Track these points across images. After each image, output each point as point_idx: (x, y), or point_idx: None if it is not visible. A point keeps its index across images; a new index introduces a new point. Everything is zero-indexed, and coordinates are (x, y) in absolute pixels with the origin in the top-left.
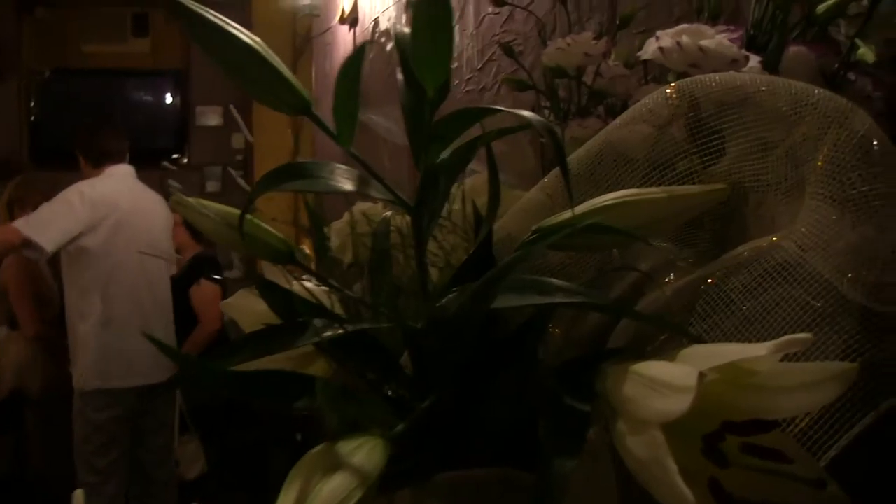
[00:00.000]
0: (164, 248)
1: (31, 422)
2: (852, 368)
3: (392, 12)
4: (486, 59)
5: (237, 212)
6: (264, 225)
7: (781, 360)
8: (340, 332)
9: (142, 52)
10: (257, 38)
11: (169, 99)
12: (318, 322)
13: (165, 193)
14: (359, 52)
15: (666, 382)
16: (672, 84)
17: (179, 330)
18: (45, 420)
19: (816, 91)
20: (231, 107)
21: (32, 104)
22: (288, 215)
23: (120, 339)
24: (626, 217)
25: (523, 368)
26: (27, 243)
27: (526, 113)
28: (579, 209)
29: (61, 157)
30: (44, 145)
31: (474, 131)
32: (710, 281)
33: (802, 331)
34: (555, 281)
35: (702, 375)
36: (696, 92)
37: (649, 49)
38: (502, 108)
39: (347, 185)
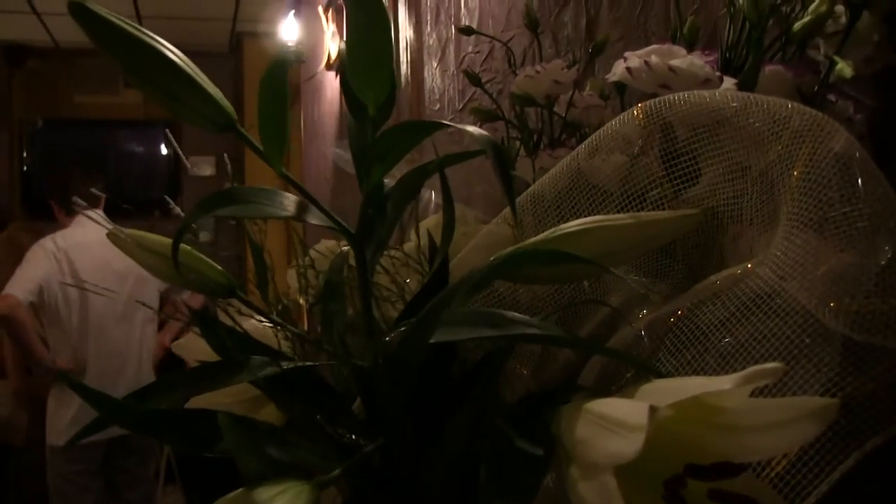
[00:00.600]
0: (140, 293)
1: (13, 473)
2: (832, 405)
3: None
4: (467, 98)
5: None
6: (204, 257)
7: (753, 396)
8: (277, 370)
9: (134, 103)
10: (178, 52)
11: (162, 150)
12: (256, 360)
13: None
14: (279, 61)
15: (618, 420)
16: (639, 105)
17: None
18: (27, 470)
19: (790, 105)
20: (225, 157)
21: (25, 154)
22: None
23: (71, 393)
24: (591, 245)
25: (477, 409)
26: (5, 298)
27: (471, 128)
28: (540, 237)
29: None
30: (35, 195)
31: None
32: (679, 313)
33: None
34: (510, 313)
35: (653, 410)
36: (665, 112)
37: (618, 70)
38: (447, 123)
39: (285, 212)
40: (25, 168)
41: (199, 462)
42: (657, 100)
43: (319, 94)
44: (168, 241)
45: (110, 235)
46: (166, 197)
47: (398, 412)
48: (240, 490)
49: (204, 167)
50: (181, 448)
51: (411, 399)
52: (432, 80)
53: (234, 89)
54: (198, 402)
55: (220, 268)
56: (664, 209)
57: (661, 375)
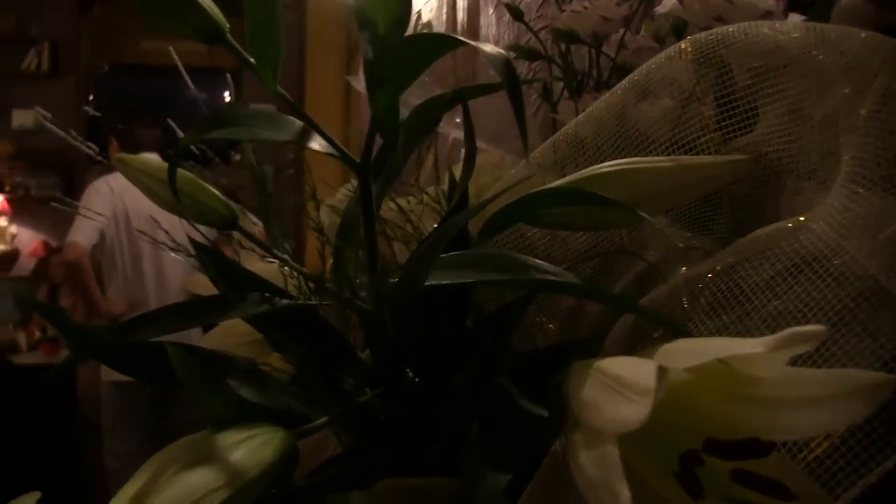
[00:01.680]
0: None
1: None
2: (888, 381)
3: (434, 3)
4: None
5: (182, 171)
6: (206, 185)
7: (793, 365)
8: (270, 308)
9: (198, 50)
10: None
11: (225, 97)
12: (251, 297)
13: None
14: None
15: (628, 382)
16: (688, 38)
17: None
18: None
19: (863, 34)
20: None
21: (91, 99)
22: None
23: None
24: (626, 188)
25: (486, 362)
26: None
27: (486, 46)
28: (569, 178)
29: None
30: (100, 139)
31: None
32: (718, 269)
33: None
34: (523, 257)
35: (662, 371)
36: (718, 48)
37: (668, 2)
38: (463, 39)
39: (284, 136)
40: (90, 111)
41: None
42: (709, 33)
43: None
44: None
45: (116, 161)
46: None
47: (401, 360)
48: (202, 433)
49: None
50: (152, 383)
51: (418, 347)
52: (488, 27)
53: (298, 42)
54: (208, 341)
55: (222, 197)
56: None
57: (684, 335)
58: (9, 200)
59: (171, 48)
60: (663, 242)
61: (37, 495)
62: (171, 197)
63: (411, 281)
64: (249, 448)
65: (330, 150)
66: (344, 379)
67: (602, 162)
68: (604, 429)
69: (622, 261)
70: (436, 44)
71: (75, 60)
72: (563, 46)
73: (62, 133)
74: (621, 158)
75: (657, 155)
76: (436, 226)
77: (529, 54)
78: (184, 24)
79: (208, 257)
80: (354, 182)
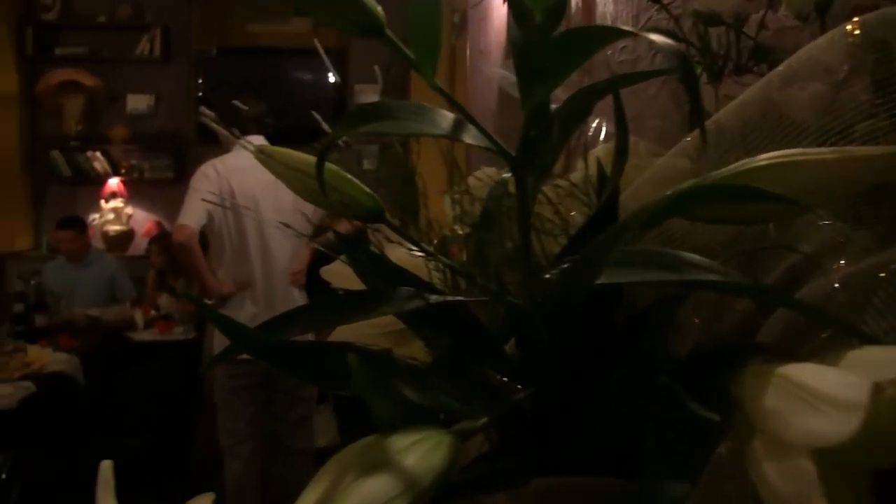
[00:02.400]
0: (292, 219)
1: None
2: None
3: None
4: (641, 24)
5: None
6: (352, 178)
7: None
8: (424, 304)
9: (303, 31)
10: None
11: (330, 78)
12: (402, 291)
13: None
14: None
15: (823, 394)
16: (854, 20)
17: None
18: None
19: None
20: (376, 67)
21: (200, 82)
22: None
23: (236, 311)
24: (784, 181)
25: (642, 362)
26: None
27: (657, 37)
28: (724, 171)
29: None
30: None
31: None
32: (893, 267)
33: None
34: (686, 255)
35: (878, 388)
36: (883, 29)
37: None
38: (628, 29)
39: (438, 130)
40: (201, 94)
41: None
42: (879, 13)
43: (486, 23)
44: (313, 159)
45: (258, 155)
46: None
47: (554, 357)
48: (372, 437)
49: (369, 95)
50: (315, 385)
51: (570, 344)
52: (605, 5)
53: (402, 28)
54: (343, 331)
55: (367, 189)
56: (875, 145)
57: (867, 340)
58: (124, 183)
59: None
60: (817, 236)
61: (211, 496)
62: (317, 189)
63: (580, 280)
64: (420, 453)
65: (484, 142)
66: (490, 375)
67: (744, 151)
68: (796, 441)
69: (769, 254)
70: (597, 35)
71: (186, 45)
72: (700, 28)
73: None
74: (764, 146)
75: (806, 143)
76: (585, 216)
77: (666, 36)
78: (340, 17)
79: (355, 250)
80: (487, 169)
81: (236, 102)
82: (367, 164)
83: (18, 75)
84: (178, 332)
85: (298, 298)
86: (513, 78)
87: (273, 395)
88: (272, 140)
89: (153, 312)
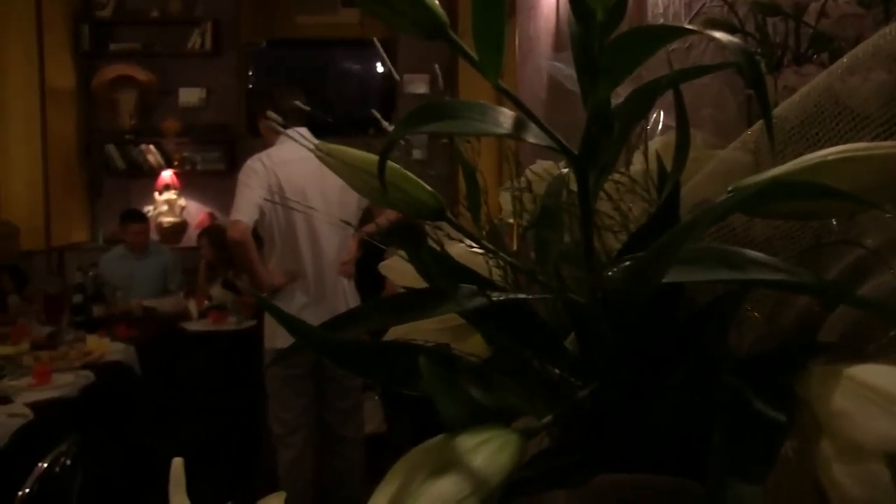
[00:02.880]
0: (338, 210)
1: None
2: None
3: None
4: (694, 12)
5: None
6: (412, 176)
7: None
8: (487, 301)
9: (351, 22)
10: None
11: (377, 68)
12: (464, 289)
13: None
14: None
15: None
16: None
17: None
18: None
19: None
20: (436, 67)
21: (250, 74)
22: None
23: (287, 302)
24: (849, 177)
25: (704, 359)
26: (237, 225)
27: (720, 34)
28: (788, 167)
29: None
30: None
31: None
32: None
33: None
34: (749, 252)
35: None
36: None
37: None
38: (692, 28)
39: (500, 129)
40: (250, 86)
41: None
42: None
43: (536, 10)
44: (374, 157)
45: (316, 152)
46: (375, 113)
47: (616, 354)
48: (440, 437)
49: (418, 85)
50: (378, 383)
51: (632, 341)
52: None
53: (451, 23)
54: (401, 327)
55: (429, 188)
56: None
57: None
58: (177, 175)
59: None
60: (881, 231)
61: (282, 495)
62: (377, 187)
63: (645, 278)
64: (488, 453)
65: (547, 141)
66: (551, 371)
67: (805, 144)
68: (868, 445)
69: (828, 250)
70: (659, 34)
71: (235, 38)
72: (758, 17)
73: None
74: (826, 139)
75: (869, 135)
76: (645, 212)
77: (722, 27)
78: (401, 18)
79: (414, 250)
80: (543, 163)
81: (281, 91)
82: (417, 154)
83: (75, 72)
84: (231, 323)
85: (347, 289)
86: (567, 70)
87: (324, 385)
88: (318, 131)
89: (206, 303)
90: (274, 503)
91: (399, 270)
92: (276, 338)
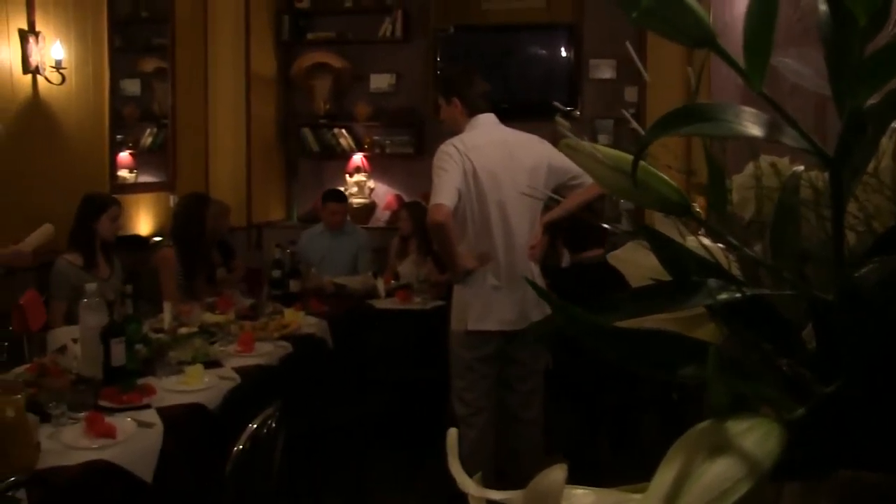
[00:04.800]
0: (528, 194)
1: None
2: None
3: None
4: None
5: (630, 157)
6: (659, 173)
7: None
8: (737, 295)
9: (537, 7)
10: None
11: (563, 52)
12: (713, 282)
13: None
14: None
15: None
16: None
17: None
18: None
19: None
20: (627, 44)
21: (438, 59)
22: (681, 164)
23: (478, 285)
24: None
25: None
26: (440, 208)
27: None
28: None
29: None
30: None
31: None
32: None
33: None
34: None
35: None
36: None
37: None
38: None
39: (755, 130)
40: (438, 72)
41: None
42: None
43: None
44: (623, 155)
45: (564, 146)
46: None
47: (863, 352)
48: (708, 422)
49: (603, 70)
50: (637, 370)
51: (880, 339)
52: None
53: (638, 28)
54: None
55: (674, 184)
56: None
57: None
58: (367, 158)
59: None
60: None
61: (563, 468)
62: (621, 182)
63: None
64: (756, 439)
65: (802, 144)
66: (792, 366)
67: None
68: None
69: None
70: None
71: (425, 25)
72: None
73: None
74: None
75: None
76: (891, 214)
77: None
78: (670, 25)
79: (660, 243)
80: (767, 158)
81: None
82: (602, 140)
83: (276, 59)
84: (417, 302)
85: (536, 273)
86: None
87: (507, 368)
88: (502, 116)
89: (393, 282)
90: (555, 475)
91: (629, 261)
92: (463, 320)
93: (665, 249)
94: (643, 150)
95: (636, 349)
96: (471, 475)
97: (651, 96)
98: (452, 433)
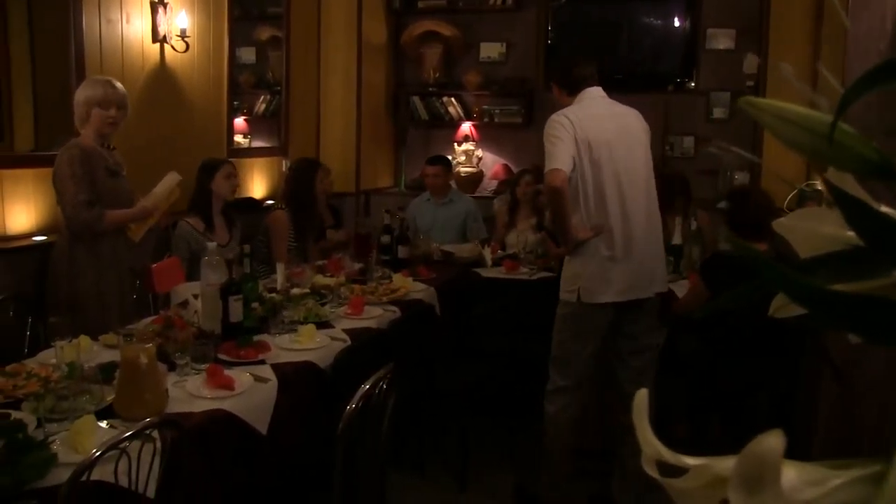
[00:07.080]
0: (643, 167)
1: None
2: None
3: None
4: None
5: (823, 117)
6: (855, 132)
7: None
8: None
9: None
10: None
11: (677, 22)
12: None
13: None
14: None
15: None
16: None
17: None
18: None
19: None
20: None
21: (549, 29)
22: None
23: (591, 255)
24: None
25: None
26: (557, 174)
27: None
28: None
29: None
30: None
31: None
32: None
33: None
34: None
35: None
36: None
37: None
38: None
39: None
40: (549, 42)
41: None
42: None
43: None
44: (815, 114)
45: (744, 103)
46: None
47: None
48: None
49: (722, 40)
50: (855, 333)
51: None
52: None
53: (763, 28)
54: None
55: (873, 144)
56: None
57: None
58: (475, 127)
59: None
60: None
61: (780, 433)
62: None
63: None
64: None
65: None
66: None
67: None
68: None
69: None
70: None
71: None
72: None
73: None
74: None
75: None
76: None
77: None
78: None
79: (853, 207)
80: None
81: (577, 59)
82: (718, 113)
83: (387, 28)
84: (523, 273)
85: (660, 244)
86: None
87: (620, 343)
88: (616, 86)
89: (500, 252)
90: (773, 441)
91: (797, 229)
92: (574, 291)
93: (858, 213)
94: (845, 108)
95: (856, 313)
96: (559, 444)
97: (772, 66)
98: (642, 394)
